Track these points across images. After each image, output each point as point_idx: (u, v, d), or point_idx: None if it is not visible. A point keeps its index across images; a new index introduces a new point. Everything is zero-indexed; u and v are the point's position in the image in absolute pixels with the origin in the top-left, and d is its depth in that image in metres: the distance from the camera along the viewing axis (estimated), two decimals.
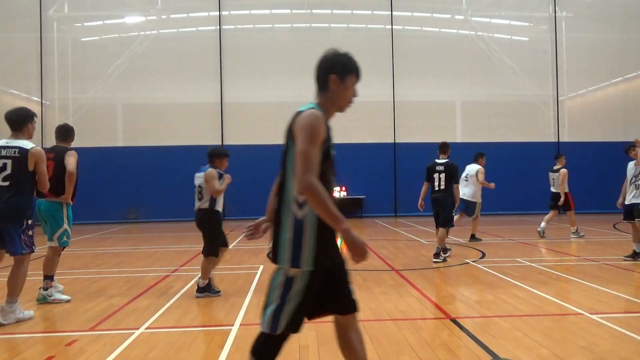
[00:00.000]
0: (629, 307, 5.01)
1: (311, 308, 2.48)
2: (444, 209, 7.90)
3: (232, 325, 4.52)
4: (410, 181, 19.00)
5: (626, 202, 7.80)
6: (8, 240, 4.65)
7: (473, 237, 10.46)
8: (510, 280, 6.37)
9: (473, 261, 7.89)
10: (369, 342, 3.96)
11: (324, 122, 2.40)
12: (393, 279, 6.57)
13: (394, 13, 18.66)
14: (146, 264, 8.28)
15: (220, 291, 5.77)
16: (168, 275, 7.10)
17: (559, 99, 18.84)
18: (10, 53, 17.94)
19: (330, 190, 2.43)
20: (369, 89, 18.41)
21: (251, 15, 19.08)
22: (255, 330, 4.35)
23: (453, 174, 7.94)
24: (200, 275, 5.71)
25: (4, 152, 4.75)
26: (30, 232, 4.81)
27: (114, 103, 18.32)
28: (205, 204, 5.76)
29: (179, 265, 8.04)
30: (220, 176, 5.85)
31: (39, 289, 5.52)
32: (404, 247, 9.85)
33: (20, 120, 4.94)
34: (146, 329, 4.46)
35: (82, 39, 18.77)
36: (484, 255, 8.51)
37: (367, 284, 6.30)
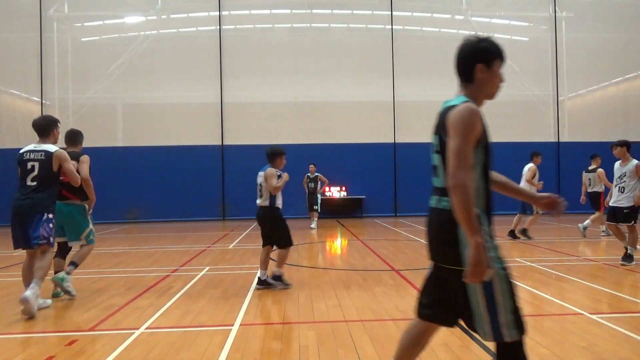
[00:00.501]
0: (629, 307, 5.01)
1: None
2: None
3: (232, 325, 4.52)
4: (410, 181, 19.09)
5: (610, 204, 7.80)
6: (31, 232, 5.05)
7: (524, 232, 10.49)
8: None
9: (283, 287, 7.77)
10: (369, 342, 3.96)
11: (479, 116, 2.26)
12: (393, 279, 6.57)
13: (394, 13, 18.66)
14: (146, 264, 8.28)
15: (290, 284, 6.18)
16: (168, 275, 7.10)
17: (559, 99, 18.85)
18: (10, 53, 17.95)
19: (490, 185, 2.41)
20: (369, 89, 18.54)
21: (251, 15, 19.08)
22: (255, 330, 4.37)
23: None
24: (276, 264, 6.23)
25: (32, 156, 5.30)
26: (50, 225, 5.18)
27: (114, 103, 18.33)
28: (266, 202, 6.09)
29: (179, 265, 8.04)
30: (279, 175, 6.14)
31: (63, 271, 5.75)
32: (404, 247, 9.84)
33: (46, 126, 5.40)
34: (146, 329, 4.46)
35: (82, 39, 18.76)
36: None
37: (367, 283, 6.30)
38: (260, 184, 6.13)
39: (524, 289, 5.86)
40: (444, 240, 2.33)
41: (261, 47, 18.49)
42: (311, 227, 14.09)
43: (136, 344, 4.04)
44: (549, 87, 18.94)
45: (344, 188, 17.70)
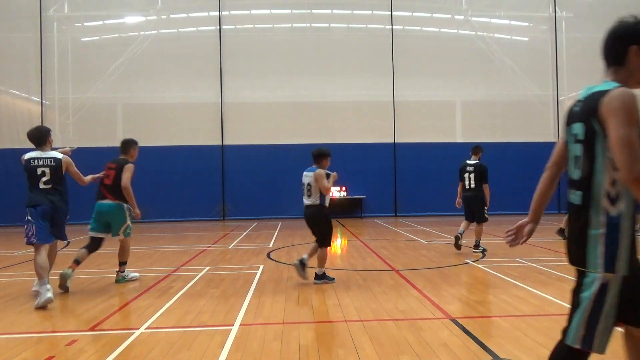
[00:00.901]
0: None
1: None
2: (476, 207, 8.65)
3: (232, 325, 4.52)
4: (410, 181, 19.10)
5: None
6: (57, 229, 5.87)
7: (561, 232, 10.41)
8: (511, 280, 6.37)
9: (473, 261, 7.89)
10: (369, 343, 3.96)
11: (637, 100, 2.04)
12: (393, 279, 6.57)
13: (394, 13, 18.67)
14: (146, 264, 8.28)
15: (334, 278, 6.47)
16: (168, 275, 7.10)
17: (558, 99, 18.85)
18: (10, 53, 17.95)
19: None
20: (368, 89, 18.55)
21: (251, 15, 19.09)
22: (255, 330, 4.36)
23: (482, 174, 8.58)
24: (317, 264, 6.41)
25: (41, 162, 5.92)
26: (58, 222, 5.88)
27: (114, 103, 18.33)
28: (316, 201, 6.31)
29: (179, 265, 8.04)
30: (327, 174, 6.36)
31: (116, 272, 6.72)
32: (404, 247, 9.84)
33: (41, 137, 6.03)
34: (146, 329, 4.46)
35: (82, 39, 18.78)
36: (484, 255, 8.51)
37: (367, 284, 6.30)
38: (309, 184, 6.32)
39: (524, 289, 5.87)
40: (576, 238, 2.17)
41: (261, 47, 18.50)
42: None
43: (136, 344, 4.04)
44: (549, 87, 18.94)
45: (344, 188, 17.71)
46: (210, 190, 17.84)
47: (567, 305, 5.31)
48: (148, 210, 17.86)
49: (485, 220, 8.78)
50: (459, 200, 8.99)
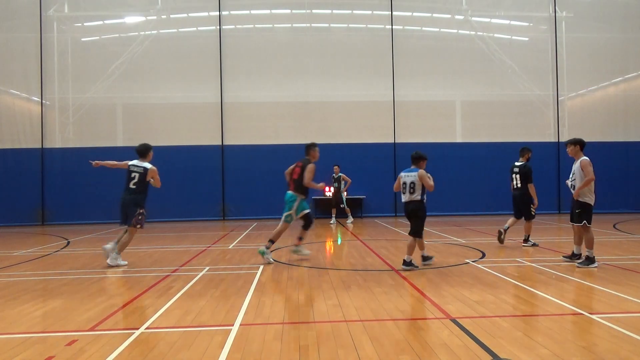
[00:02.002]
0: (629, 307, 5.01)
1: None
2: (523, 205, 9.37)
3: (232, 325, 4.52)
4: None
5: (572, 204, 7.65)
6: (127, 218, 7.94)
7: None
8: (510, 280, 6.38)
9: (473, 261, 7.90)
10: (369, 342, 3.96)
11: None
12: (393, 279, 6.58)
13: (394, 13, 18.66)
14: (146, 264, 8.28)
15: (432, 256, 7.65)
16: (168, 275, 7.10)
17: (559, 99, 18.85)
18: (10, 53, 17.95)
19: None
20: (369, 89, 18.55)
21: (251, 15, 19.08)
22: (255, 330, 4.37)
23: (526, 175, 9.28)
24: (407, 252, 7.26)
25: (135, 168, 8.01)
26: (140, 217, 7.95)
27: (114, 103, 18.32)
28: (418, 197, 7.25)
29: (179, 265, 8.04)
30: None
31: (264, 246, 8.13)
32: (404, 247, 9.80)
33: (144, 151, 8.18)
34: (146, 329, 4.46)
35: (82, 39, 18.77)
36: (484, 255, 8.52)
37: (367, 284, 6.31)
38: (412, 182, 7.27)
39: (524, 289, 5.87)
40: None
41: (261, 47, 18.49)
42: (347, 223, 15.51)
43: (136, 344, 4.04)
44: (549, 87, 18.94)
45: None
46: (210, 190, 17.84)
47: (567, 305, 5.34)
48: (148, 210, 17.89)
49: (532, 217, 9.41)
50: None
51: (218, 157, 18.02)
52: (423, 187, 7.26)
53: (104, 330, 4.45)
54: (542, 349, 3.75)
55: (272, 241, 8.18)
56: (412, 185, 7.28)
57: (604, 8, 19.38)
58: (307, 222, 8.32)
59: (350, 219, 15.80)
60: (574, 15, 19.18)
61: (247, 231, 13.59)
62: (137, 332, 4.33)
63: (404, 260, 7.24)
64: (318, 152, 8.50)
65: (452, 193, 17.56)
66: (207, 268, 7.67)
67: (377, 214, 17.94)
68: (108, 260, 7.85)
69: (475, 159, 18.25)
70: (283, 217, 8.21)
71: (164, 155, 17.90)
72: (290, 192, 8.24)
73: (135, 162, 8.07)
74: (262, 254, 8.08)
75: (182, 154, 17.82)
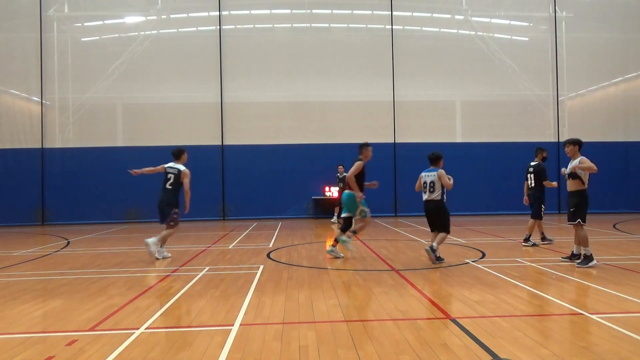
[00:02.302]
0: (629, 307, 5.01)
1: None
2: (533, 204, 9.62)
3: (232, 325, 4.52)
4: (410, 181, 19.02)
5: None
6: (165, 217, 8.53)
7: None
8: (510, 280, 6.38)
9: (473, 261, 7.90)
10: (369, 342, 3.96)
11: None
12: (393, 279, 6.58)
13: (394, 13, 18.67)
14: (146, 264, 8.28)
15: (444, 259, 7.78)
16: (168, 275, 7.10)
17: (559, 99, 18.85)
18: (10, 53, 17.95)
19: None
20: (369, 89, 18.54)
21: (251, 15, 19.08)
22: (255, 330, 4.37)
23: (538, 174, 9.54)
24: (436, 240, 7.71)
25: (170, 170, 8.64)
26: (174, 216, 8.56)
27: (114, 103, 18.31)
28: (438, 196, 7.63)
29: (179, 265, 8.04)
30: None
31: (344, 235, 8.52)
32: (404, 247, 9.85)
33: (179, 154, 8.83)
34: (146, 329, 4.46)
35: (82, 39, 18.76)
36: (484, 255, 8.52)
37: (367, 284, 6.30)
38: (432, 182, 7.64)
39: (524, 289, 5.87)
40: None
41: (261, 47, 18.49)
42: (337, 222, 15.64)
43: (136, 344, 4.04)
44: (549, 87, 18.94)
45: None
46: (210, 190, 17.83)
47: (567, 305, 5.33)
48: (148, 210, 17.90)
49: (539, 217, 9.57)
50: (526, 198, 9.84)
51: (218, 157, 18.02)
52: (443, 186, 7.60)
53: (104, 330, 4.45)
54: (542, 349, 3.75)
55: (355, 232, 8.67)
56: (432, 185, 7.66)
57: (604, 8, 19.37)
58: (347, 224, 8.65)
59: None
60: (574, 15, 19.19)
61: (247, 231, 13.59)
62: (137, 332, 4.33)
63: (431, 246, 7.68)
64: (370, 152, 8.87)
65: (452, 193, 17.33)
66: (207, 268, 7.67)
67: (377, 214, 17.91)
68: (156, 255, 8.51)
69: (475, 159, 18.24)
70: (359, 215, 8.57)
71: (164, 155, 17.89)
72: (347, 192, 8.72)
73: (171, 164, 8.72)
74: (344, 242, 8.55)
75: None
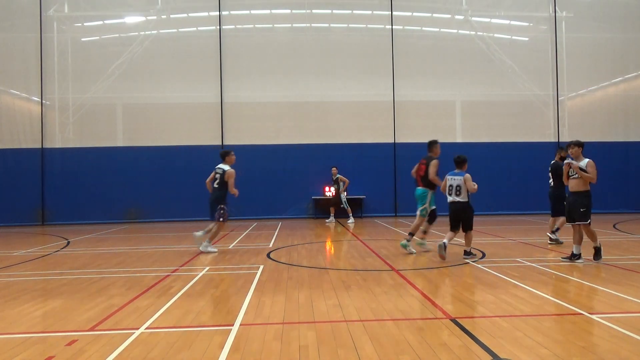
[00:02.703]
0: (629, 307, 5.01)
1: None
2: (553, 202, 9.78)
3: (232, 325, 4.52)
4: (411, 181, 19.03)
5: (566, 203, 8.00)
6: (213, 213, 9.28)
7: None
8: (511, 280, 6.38)
9: (473, 261, 7.89)
10: (369, 342, 3.96)
11: None
12: (393, 279, 6.57)
13: (394, 13, 18.67)
14: (146, 264, 8.28)
15: (475, 254, 8.31)
16: (168, 275, 7.10)
17: (559, 99, 18.85)
18: (10, 53, 17.95)
19: None
20: (369, 89, 18.55)
21: (251, 15, 19.08)
22: (255, 330, 4.36)
23: (554, 172, 9.70)
24: (466, 244, 8.23)
25: (218, 170, 9.47)
26: (221, 212, 9.25)
27: (114, 103, 18.32)
28: (464, 198, 8.02)
29: (179, 265, 8.04)
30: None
31: (405, 240, 8.88)
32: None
33: (225, 155, 9.64)
34: (146, 329, 4.46)
35: (82, 39, 18.76)
36: (484, 255, 8.52)
37: (367, 284, 6.30)
38: (458, 185, 8.01)
39: (524, 289, 5.87)
40: None
41: (261, 47, 18.49)
42: (347, 223, 15.58)
43: (136, 344, 4.04)
44: (549, 87, 18.94)
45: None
46: None
47: (567, 305, 5.33)
48: (148, 210, 17.92)
49: (559, 215, 9.57)
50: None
51: (218, 157, 18.00)
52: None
53: (104, 330, 4.45)
54: (542, 349, 3.75)
55: (411, 234, 8.93)
56: (458, 188, 8.03)
57: (604, 8, 19.37)
58: (432, 217, 9.08)
59: (351, 219, 15.89)
60: (574, 15, 19.19)
61: (247, 231, 13.59)
62: (137, 332, 4.33)
63: (465, 250, 8.14)
64: (439, 148, 9.12)
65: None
66: (207, 268, 7.67)
67: (377, 213, 17.93)
68: (200, 247, 9.26)
69: (475, 159, 18.08)
70: (419, 212, 8.91)
71: (164, 155, 17.97)
72: (420, 188, 8.95)
73: (219, 165, 9.52)
74: (405, 246, 8.77)
75: (182, 154, 17.83)
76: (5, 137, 17.62)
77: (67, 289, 6.29)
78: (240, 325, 4.53)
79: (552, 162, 9.89)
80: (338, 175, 16.05)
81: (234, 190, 9.34)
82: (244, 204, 17.86)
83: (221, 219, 9.24)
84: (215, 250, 9.44)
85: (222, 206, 9.26)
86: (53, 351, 3.88)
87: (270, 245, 10.34)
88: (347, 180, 16.08)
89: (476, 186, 7.90)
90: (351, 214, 16.00)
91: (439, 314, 4.81)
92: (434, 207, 9.02)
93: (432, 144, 9.14)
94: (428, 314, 4.85)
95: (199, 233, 9.38)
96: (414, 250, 8.88)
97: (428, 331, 4.25)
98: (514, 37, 19.48)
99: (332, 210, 16.36)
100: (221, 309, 5.12)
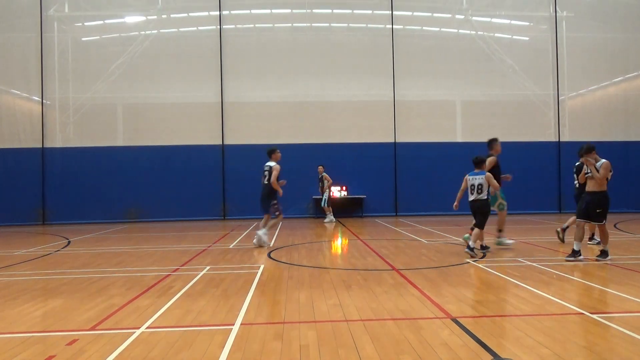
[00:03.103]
0: (630, 306, 5.01)
1: None
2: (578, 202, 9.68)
3: (232, 325, 4.52)
4: (411, 181, 19.09)
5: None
6: (267, 208, 9.91)
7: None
8: (511, 280, 6.37)
9: (474, 261, 7.89)
10: (370, 342, 3.96)
11: None
12: (394, 279, 6.57)
13: (394, 13, 18.66)
14: (146, 263, 8.27)
15: (489, 247, 8.77)
16: (168, 275, 7.10)
17: (559, 98, 18.84)
18: (10, 53, 17.95)
19: None
20: (369, 89, 18.55)
21: (251, 15, 19.08)
22: (255, 330, 4.36)
23: (579, 173, 9.45)
24: (472, 238, 8.30)
25: (266, 167, 9.92)
26: (275, 206, 9.89)
27: (114, 103, 18.32)
28: (485, 196, 8.33)
29: (179, 265, 8.03)
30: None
31: (497, 237, 9.23)
32: (404, 247, 9.84)
33: (270, 152, 10.05)
34: (146, 328, 4.45)
35: (82, 39, 18.76)
36: (484, 255, 8.51)
37: (368, 283, 6.30)
38: (480, 184, 8.30)
39: (524, 288, 5.86)
40: None
41: (261, 46, 18.49)
42: (324, 222, 15.90)
43: (136, 343, 4.04)
44: (550, 87, 18.93)
45: (344, 188, 17.70)
46: (211, 190, 17.84)
47: (568, 305, 5.33)
48: (148, 209, 17.92)
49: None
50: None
51: (218, 156, 18.03)
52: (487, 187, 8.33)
53: (104, 329, 4.45)
54: (543, 349, 3.75)
55: (500, 230, 9.19)
56: (479, 187, 8.33)
57: (604, 8, 19.36)
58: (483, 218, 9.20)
59: (328, 219, 16.09)
60: (574, 15, 19.18)
61: (247, 231, 13.59)
62: (137, 332, 4.33)
63: (469, 245, 8.20)
64: (500, 146, 9.41)
65: (452, 193, 17.49)
66: (208, 268, 7.67)
67: (377, 213, 17.93)
68: (262, 240, 9.83)
69: None
70: (497, 208, 9.15)
71: (165, 155, 17.98)
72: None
73: (267, 162, 9.95)
74: (499, 244, 9.07)
75: (182, 153, 17.83)
76: (5, 137, 17.63)
77: (68, 288, 6.28)
78: (241, 324, 4.52)
79: (577, 163, 9.68)
80: (323, 174, 16.30)
81: (275, 183, 9.67)
82: (245, 204, 17.88)
83: (277, 213, 9.90)
84: (270, 243, 10.27)
85: (275, 201, 9.84)
86: (53, 351, 3.88)
87: (271, 245, 10.34)
88: (330, 180, 16.28)
89: (497, 184, 8.35)
90: (330, 213, 16.19)
91: (440, 313, 4.81)
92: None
93: (492, 141, 9.44)
94: (429, 313, 4.85)
95: (263, 231, 9.85)
96: (509, 241, 9.20)
97: (429, 331, 4.25)
98: (514, 37, 19.48)
99: (326, 210, 16.45)
100: (222, 309, 5.11)
